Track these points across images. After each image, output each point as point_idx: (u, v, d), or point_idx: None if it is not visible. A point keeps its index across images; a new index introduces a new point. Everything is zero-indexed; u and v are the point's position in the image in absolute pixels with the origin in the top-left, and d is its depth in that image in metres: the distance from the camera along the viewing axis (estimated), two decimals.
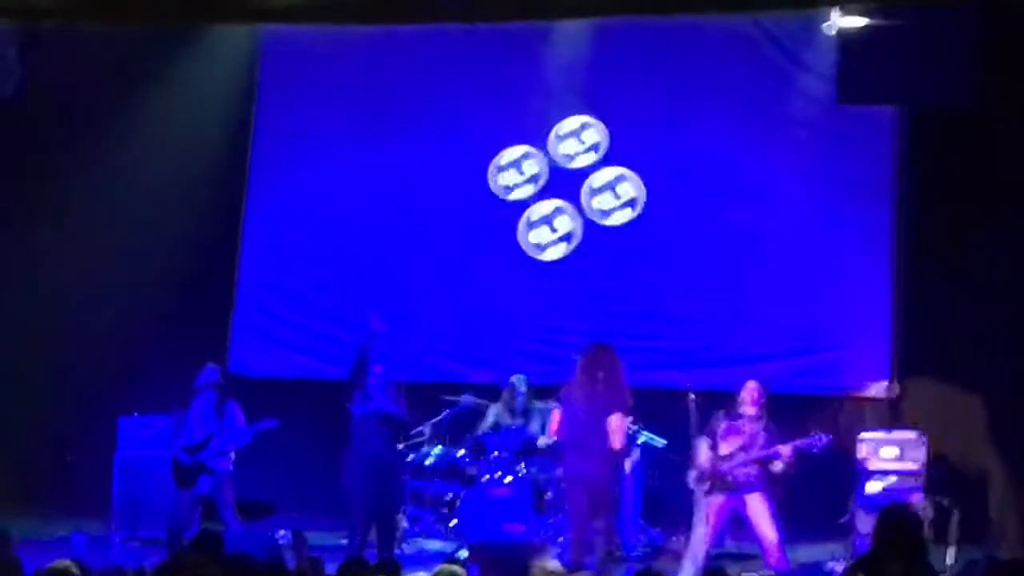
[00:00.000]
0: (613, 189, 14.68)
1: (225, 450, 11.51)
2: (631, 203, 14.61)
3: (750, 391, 10.98)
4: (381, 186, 14.90)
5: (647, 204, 14.56)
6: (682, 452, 11.92)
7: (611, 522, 11.23)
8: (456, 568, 7.01)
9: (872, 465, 12.31)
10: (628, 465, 12.96)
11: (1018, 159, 13.29)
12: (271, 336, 14.97)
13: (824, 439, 10.75)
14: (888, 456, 12.34)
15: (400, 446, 12.39)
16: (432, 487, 13.15)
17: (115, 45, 14.10)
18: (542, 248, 14.77)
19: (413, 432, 12.81)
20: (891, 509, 7.07)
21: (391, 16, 10.27)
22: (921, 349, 13.84)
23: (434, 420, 13.33)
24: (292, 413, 12.86)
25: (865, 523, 11.94)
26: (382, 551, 10.98)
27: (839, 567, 11.51)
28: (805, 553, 11.45)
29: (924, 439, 12.37)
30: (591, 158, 14.76)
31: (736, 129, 14.35)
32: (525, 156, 14.83)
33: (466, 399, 13.48)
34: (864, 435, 12.51)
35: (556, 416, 11.35)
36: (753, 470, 10.75)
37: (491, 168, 14.83)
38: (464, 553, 11.24)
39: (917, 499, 11.95)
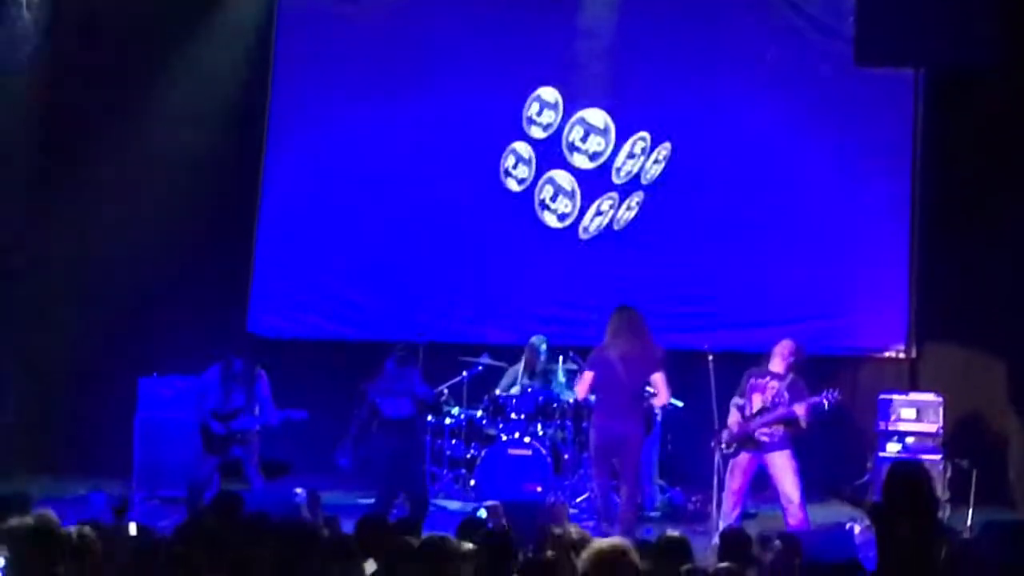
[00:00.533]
0: (632, 153, 14.64)
1: (254, 425, 11.54)
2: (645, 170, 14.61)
3: (782, 347, 10.98)
4: (400, 147, 14.88)
5: (668, 169, 14.53)
6: (700, 414, 11.95)
7: (637, 482, 11.30)
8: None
9: (891, 426, 12.32)
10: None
11: None
12: (289, 298, 14.98)
13: (834, 395, 10.73)
14: (907, 417, 12.35)
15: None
16: (451, 447, 13.19)
17: (133, 8, 14.15)
18: (560, 215, 14.75)
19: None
20: (899, 467, 7.06)
21: None
22: (940, 312, 13.82)
23: (453, 381, 13.34)
24: (309, 374, 12.91)
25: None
26: (412, 514, 11.00)
27: (857, 527, 11.53)
28: (823, 513, 11.45)
29: (942, 401, 12.36)
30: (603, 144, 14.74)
31: (754, 93, 14.31)
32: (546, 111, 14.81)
33: (483, 360, 13.51)
34: (883, 396, 12.50)
35: (587, 378, 11.32)
36: (777, 430, 10.76)
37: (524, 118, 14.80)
38: (483, 512, 11.25)
39: (935, 460, 11.97)
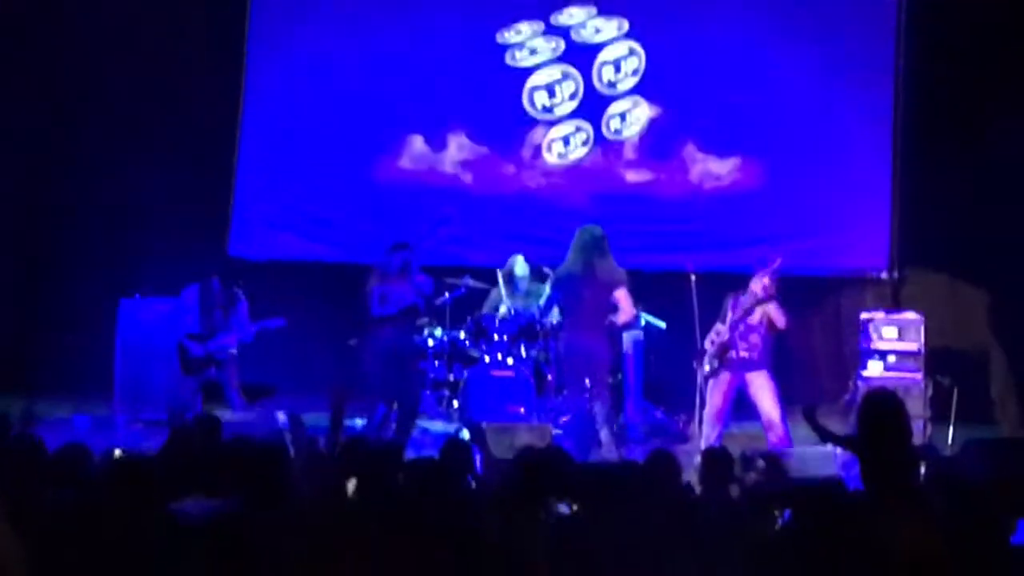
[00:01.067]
0: (618, 65, 14.56)
1: (230, 344, 11.54)
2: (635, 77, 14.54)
3: (764, 271, 10.95)
4: (381, 65, 14.76)
5: (642, 83, 14.45)
6: (683, 335, 11.97)
7: (612, 399, 11.32)
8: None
9: (873, 346, 12.34)
10: (630, 346, 13.03)
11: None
12: (271, 219, 14.92)
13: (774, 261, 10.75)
14: (888, 336, 12.37)
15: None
16: (433, 369, 13.19)
17: None
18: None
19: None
20: (872, 396, 7.07)
21: None
22: (922, 232, 13.82)
23: (435, 303, 13.32)
24: (292, 295, 12.89)
25: None
26: (399, 435, 11.04)
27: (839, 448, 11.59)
28: (806, 432, 11.46)
29: (923, 320, 12.39)
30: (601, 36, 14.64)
31: (735, 10, 14.21)
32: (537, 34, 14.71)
33: (466, 281, 13.48)
34: (865, 315, 12.53)
35: (554, 296, 11.38)
36: (754, 348, 10.76)
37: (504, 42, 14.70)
38: (466, 434, 11.28)
39: (917, 379, 12.02)
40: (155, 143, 14.43)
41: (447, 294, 13.37)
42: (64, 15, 14.28)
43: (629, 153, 14.48)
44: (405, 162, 14.73)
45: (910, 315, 12.51)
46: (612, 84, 14.53)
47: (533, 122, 14.63)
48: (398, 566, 5.14)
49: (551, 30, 14.64)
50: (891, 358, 12.28)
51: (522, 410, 12.37)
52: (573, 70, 14.59)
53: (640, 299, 13.39)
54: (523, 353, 12.60)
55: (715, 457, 7.38)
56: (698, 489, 6.94)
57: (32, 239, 14.71)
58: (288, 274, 14.37)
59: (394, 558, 5.18)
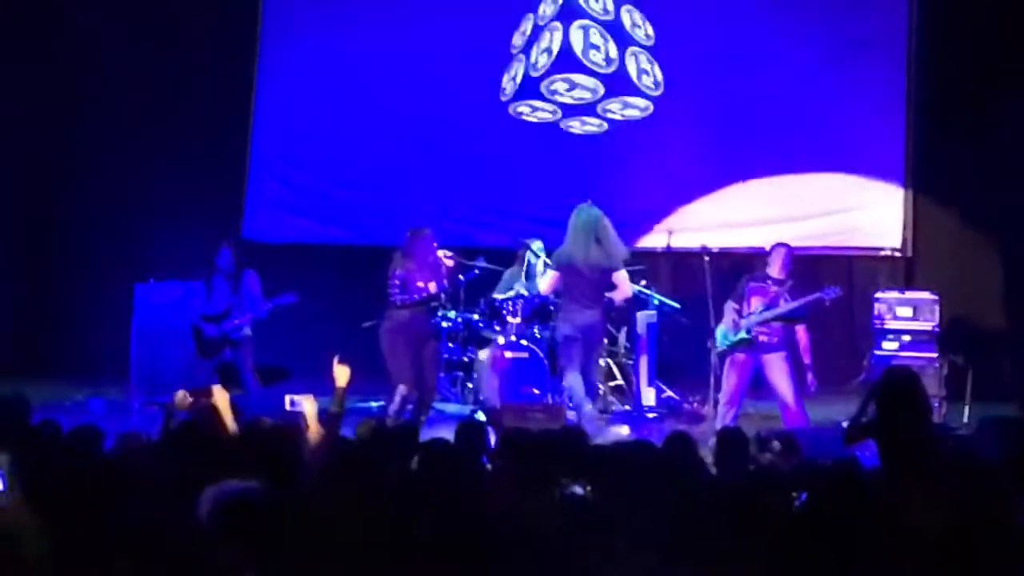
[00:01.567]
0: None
1: (244, 323, 11.55)
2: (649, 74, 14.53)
3: (778, 253, 10.96)
4: (394, 52, 14.77)
5: (663, 71, 14.43)
6: (697, 314, 11.97)
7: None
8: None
9: (887, 324, 12.32)
10: (643, 328, 13.04)
11: None
12: (284, 202, 14.94)
13: (835, 291, 10.79)
14: (903, 315, 12.35)
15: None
16: (448, 350, 13.19)
17: None
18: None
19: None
20: (890, 373, 7.06)
21: None
22: (936, 209, 13.80)
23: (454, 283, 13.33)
24: (306, 278, 12.87)
25: None
26: (415, 417, 11.08)
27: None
28: (821, 412, 11.48)
29: (938, 298, 12.36)
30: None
31: None
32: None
33: (479, 263, 13.48)
34: (879, 295, 12.51)
35: (553, 278, 11.44)
36: (775, 332, 10.77)
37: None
38: (481, 415, 11.30)
39: (932, 357, 12.01)
40: (169, 128, 14.46)
41: (461, 276, 13.36)
42: (77, 4, 14.30)
43: (637, 136, 14.46)
44: (419, 143, 14.71)
45: (924, 294, 12.49)
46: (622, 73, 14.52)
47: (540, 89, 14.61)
48: (412, 549, 5.15)
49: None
50: (905, 337, 12.26)
51: (536, 391, 12.37)
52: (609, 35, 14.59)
53: (653, 279, 13.44)
54: (537, 334, 12.60)
55: (730, 438, 7.37)
56: (713, 470, 6.94)
57: (47, 225, 14.76)
58: (302, 257, 14.38)
59: (408, 541, 5.19)
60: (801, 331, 10.77)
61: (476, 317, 13.01)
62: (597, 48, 14.48)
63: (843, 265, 13.93)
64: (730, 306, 10.97)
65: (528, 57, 14.61)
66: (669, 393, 13.14)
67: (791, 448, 7.34)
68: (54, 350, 14.35)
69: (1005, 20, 13.33)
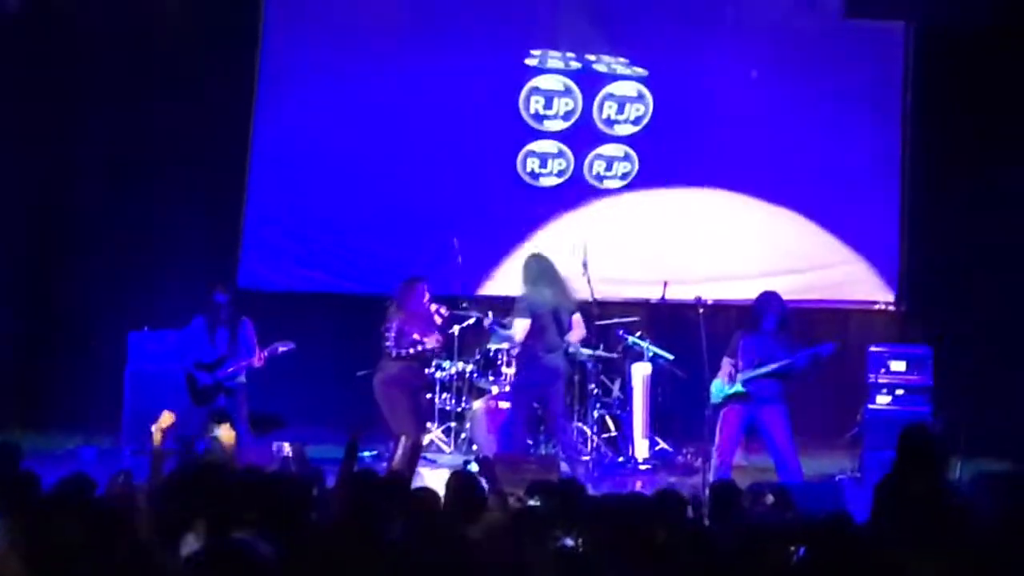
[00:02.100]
0: (622, 105, 14.59)
1: (239, 371, 11.54)
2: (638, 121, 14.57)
3: (769, 305, 10.96)
4: (392, 100, 14.77)
5: (652, 122, 14.49)
6: (691, 366, 11.97)
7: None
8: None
9: (881, 379, 12.32)
10: (638, 379, 13.04)
11: None
12: (280, 250, 14.91)
13: (830, 347, 10.80)
14: (896, 369, 12.36)
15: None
16: (442, 400, 13.19)
17: None
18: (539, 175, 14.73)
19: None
20: (911, 429, 7.09)
21: None
22: (931, 264, 13.83)
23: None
24: (302, 327, 12.87)
25: (873, 436, 12.01)
26: (407, 467, 11.04)
27: (847, 479, 11.61)
28: (814, 465, 11.49)
29: (932, 353, 12.37)
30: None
31: (744, 45, 14.26)
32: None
33: (474, 312, 13.48)
34: (873, 348, 12.51)
35: (525, 324, 11.50)
36: (770, 384, 10.75)
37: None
38: (474, 466, 11.27)
39: (924, 412, 12.01)
40: (165, 176, 14.44)
41: (456, 327, 13.38)
42: (75, 50, 14.32)
43: (631, 187, 14.50)
44: (416, 193, 14.72)
45: (918, 348, 12.49)
46: (610, 122, 14.55)
47: (542, 144, 14.67)
48: None
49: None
50: (899, 391, 12.27)
51: (530, 442, 12.36)
52: (576, 88, 14.61)
53: (648, 331, 13.45)
54: None
55: (723, 490, 7.36)
56: (706, 522, 6.92)
57: (41, 274, 14.72)
58: (297, 305, 14.35)
59: None
60: None
61: (470, 367, 13.00)
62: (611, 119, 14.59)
63: (837, 318, 13.95)
64: (727, 361, 10.97)
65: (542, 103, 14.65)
66: (663, 445, 13.13)
67: (784, 501, 7.32)
68: (47, 398, 14.30)
69: (999, 75, 13.40)
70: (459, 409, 13.06)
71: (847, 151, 14.11)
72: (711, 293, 12.86)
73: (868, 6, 13.32)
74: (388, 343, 11.13)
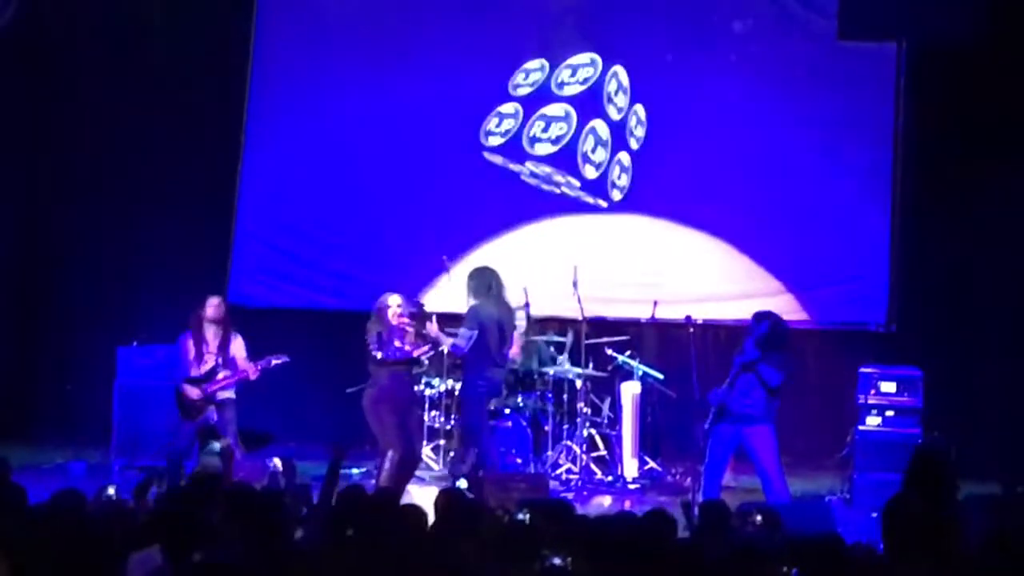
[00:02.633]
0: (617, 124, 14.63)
1: (229, 386, 11.50)
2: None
3: (753, 326, 10.94)
4: (380, 116, 14.81)
5: (646, 142, 14.50)
6: (681, 385, 11.97)
7: None
8: None
9: (871, 400, 12.31)
10: (627, 398, 13.04)
11: (1021, 98, 13.26)
12: (269, 267, 14.93)
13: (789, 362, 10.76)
14: (886, 391, 12.34)
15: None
16: (431, 418, 13.16)
17: None
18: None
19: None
20: (922, 450, 7.10)
21: None
22: (920, 286, 13.85)
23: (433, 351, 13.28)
24: (291, 343, 12.84)
25: (863, 457, 12.00)
26: (396, 484, 11.05)
27: (836, 500, 11.61)
28: (803, 486, 11.48)
29: (922, 374, 12.36)
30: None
31: (736, 66, 14.29)
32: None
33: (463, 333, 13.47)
34: (863, 370, 12.50)
35: (471, 336, 11.52)
36: (757, 404, 10.71)
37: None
38: (463, 483, 11.26)
39: (914, 434, 11.99)
40: (155, 192, 14.47)
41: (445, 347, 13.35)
42: (65, 66, 14.33)
43: (623, 207, 14.51)
44: (404, 209, 14.73)
45: (908, 369, 12.49)
46: (611, 133, 14.57)
47: (531, 163, 14.66)
48: None
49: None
50: (889, 412, 12.25)
51: (519, 460, 12.35)
52: (573, 112, 14.62)
53: (638, 350, 13.46)
54: (520, 403, 12.59)
55: (712, 510, 7.34)
56: (695, 543, 6.91)
57: (31, 288, 14.71)
58: (287, 321, 14.35)
59: None
60: None
61: (459, 385, 12.97)
62: (600, 146, 14.57)
63: (827, 339, 13.95)
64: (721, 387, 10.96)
65: (528, 115, 14.66)
66: (652, 464, 13.12)
67: (772, 522, 7.31)
68: (36, 413, 14.29)
69: (991, 97, 13.43)
70: (448, 427, 13.04)
71: (838, 171, 14.12)
72: (701, 312, 12.89)
73: (861, 28, 13.35)
74: (372, 349, 11.13)
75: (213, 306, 11.58)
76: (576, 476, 12.61)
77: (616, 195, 14.56)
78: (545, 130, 14.62)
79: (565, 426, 12.83)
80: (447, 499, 7.34)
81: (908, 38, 13.71)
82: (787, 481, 10.68)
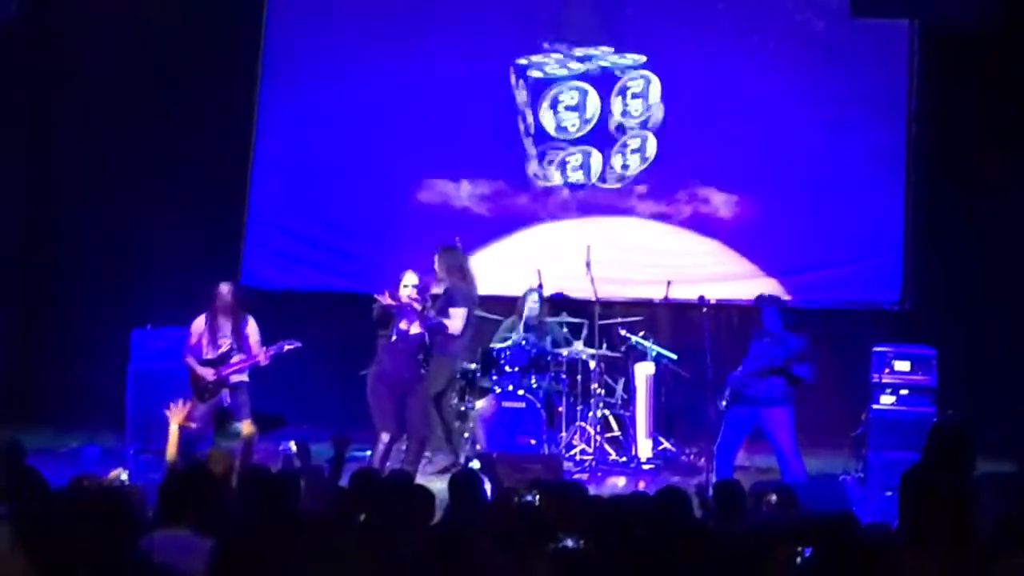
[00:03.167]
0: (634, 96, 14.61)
1: (242, 369, 11.52)
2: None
3: (766, 307, 10.94)
4: (392, 99, 14.79)
5: (661, 122, 14.47)
6: (695, 366, 11.96)
7: None
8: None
9: (885, 379, 12.29)
10: (642, 378, 13.05)
11: None
12: (282, 250, 14.93)
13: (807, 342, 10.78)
14: (900, 370, 12.32)
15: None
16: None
17: None
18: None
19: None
20: (942, 423, 7.09)
21: None
22: (934, 265, 13.82)
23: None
24: (303, 325, 12.86)
25: (877, 437, 11.99)
26: (408, 465, 11.09)
27: (851, 479, 11.61)
28: (817, 465, 11.46)
29: (936, 353, 12.34)
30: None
31: (749, 43, 14.25)
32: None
33: (477, 313, 13.51)
34: (877, 349, 12.48)
35: (465, 314, 12.00)
36: (775, 386, 10.72)
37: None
38: (476, 464, 11.26)
39: (928, 412, 11.98)
40: (168, 173, 14.46)
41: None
42: (79, 47, 14.32)
43: (637, 187, 14.49)
44: (418, 193, 14.73)
45: (922, 348, 12.47)
46: (626, 114, 14.54)
47: (547, 146, 14.64)
48: None
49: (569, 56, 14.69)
50: (903, 391, 12.24)
51: (533, 441, 12.35)
52: (592, 90, 14.60)
53: (652, 330, 13.45)
54: (534, 384, 12.59)
55: (727, 491, 7.35)
56: (710, 523, 6.91)
57: (45, 271, 14.75)
58: (300, 304, 14.36)
59: None
60: None
61: (473, 367, 12.99)
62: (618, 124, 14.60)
63: (841, 318, 13.92)
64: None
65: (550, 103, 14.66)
66: (666, 445, 13.12)
67: (788, 501, 7.31)
68: (51, 397, 14.32)
69: (1005, 74, 13.39)
70: (462, 409, 13.05)
71: (852, 150, 14.09)
72: (714, 293, 12.88)
73: (874, 5, 13.29)
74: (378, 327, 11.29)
75: (221, 294, 11.61)
76: (590, 457, 12.62)
77: (630, 173, 14.53)
78: (558, 106, 14.62)
79: (579, 407, 12.82)
80: (461, 480, 7.36)
81: (921, 15, 13.66)
82: (804, 461, 10.70)
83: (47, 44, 14.30)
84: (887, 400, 12.23)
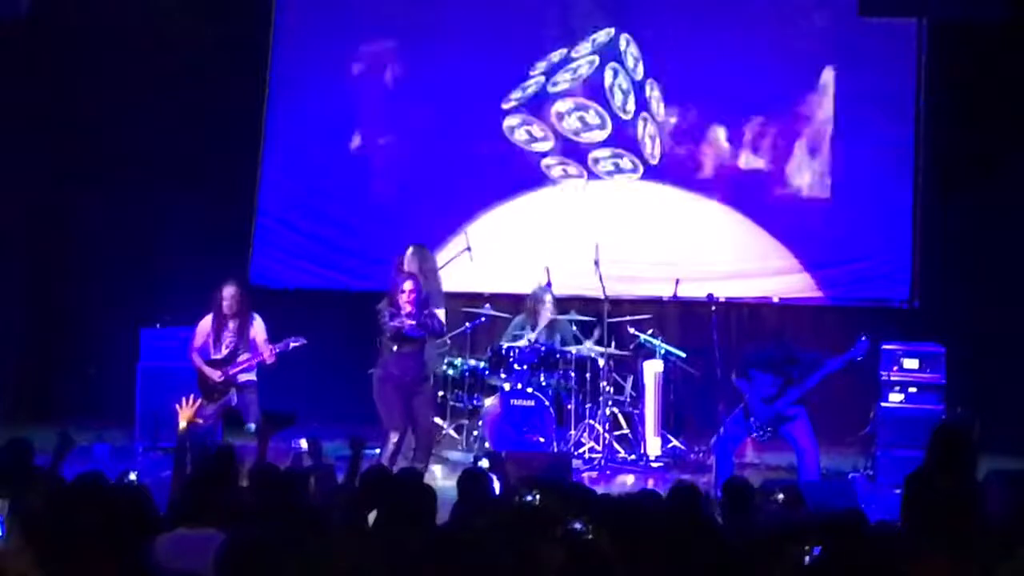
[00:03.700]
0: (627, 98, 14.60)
1: (250, 368, 11.54)
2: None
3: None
4: (401, 97, 14.81)
5: (665, 116, 14.47)
6: (703, 364, 11.96)
7: None
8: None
9: (893, 376, 12.29)
10: (650, 376, 13.04)
11: None
12: (291, 248, 14.95)
13: (864, 344, 10.81)
14: (909, 367, 12.32)
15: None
16: (454, 398, 13.20)
17: None
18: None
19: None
20: (944, 426, 7.10)
21: None
22: (943, 263, 13.80)
23: (456, 332, 13.31)
24: (312, 324, 12.88)
25: (886, 434, 11.99)
26: (417, 463, 11.09)
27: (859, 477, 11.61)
28: (827, 463, 11.46)
29: (944, 350, 12.34)
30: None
31: (757, 42, 14.24)
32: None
33: (487, 311, 13.52)
34: (886, 346, 12.47)
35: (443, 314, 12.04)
36: (788, 398, 10.75)
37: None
38: (485, 463, 11.26)
39: (937, 410, 11.98)
40: (176, 173, 14.47)
41: (467, 324, 13.41)
42: (88, 45, 14.32)
43: (646, 185, 14.50)
44: (426, 190, 14.73)
45: (931, 346, 12.47)
46: (618, 119, 14.57)
47: (561, 145, 14.66)
48: None
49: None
50: (912, 389, 12.24)
51: (541, 439, 12.35)
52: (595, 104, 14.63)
53: (660, 328, 13.45)
54: (543, 382, 12.60)
55: (736, 488, 7.35)
56: (718, 520, 6.91)
57: (54, 270, 14.76)
58: (308, 302, 14.38)
59: None
60: None
61: (482, 364, 13.01)
62: (624, 92, 14.52)
63: (850, 316, 13.91)
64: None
65: (550, 77, 14.63)
66: (675, 443, 13.13)
67: (795, 499, 7.31)
68: (60, 395, 14.34)
69: (1014, 73, 13.37)
70: (470, 406, 13.07)
71: (860, 146, 14.08)
72: (723, 290, 12.88)
73: (882, 3, 13.27)
74: (384, 324, 11.24)
75: (225, 295, 11.63)
76: (599, 455, 12.62)
77: (622, 167, 14.53)
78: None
79: (587, 405, 12.83)
80: (470, 478, 7.37)
81: (930, 13, 13.64)
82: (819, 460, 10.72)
83: (58, 41, 14.30)
84: (896, 398, 12.24)
